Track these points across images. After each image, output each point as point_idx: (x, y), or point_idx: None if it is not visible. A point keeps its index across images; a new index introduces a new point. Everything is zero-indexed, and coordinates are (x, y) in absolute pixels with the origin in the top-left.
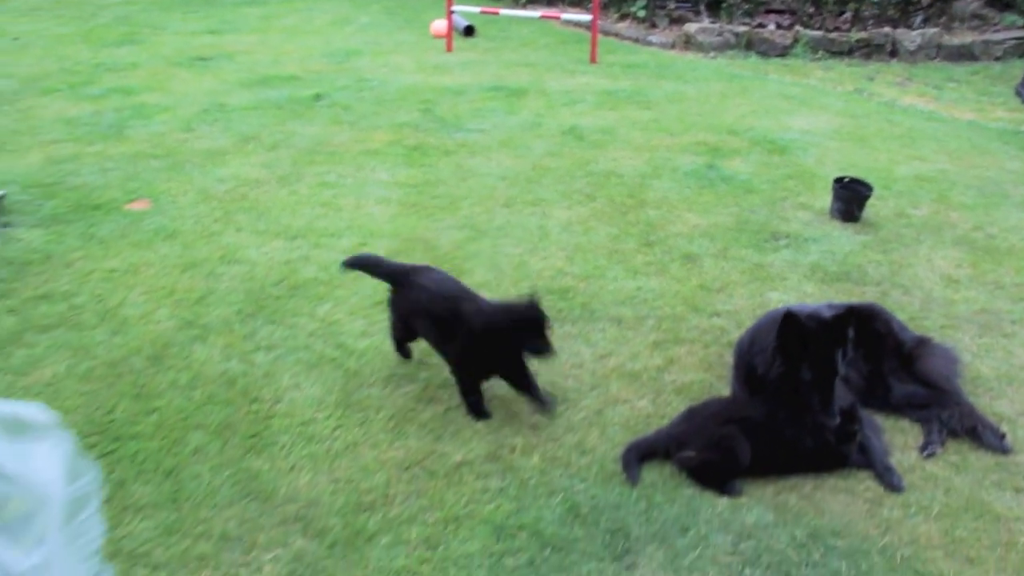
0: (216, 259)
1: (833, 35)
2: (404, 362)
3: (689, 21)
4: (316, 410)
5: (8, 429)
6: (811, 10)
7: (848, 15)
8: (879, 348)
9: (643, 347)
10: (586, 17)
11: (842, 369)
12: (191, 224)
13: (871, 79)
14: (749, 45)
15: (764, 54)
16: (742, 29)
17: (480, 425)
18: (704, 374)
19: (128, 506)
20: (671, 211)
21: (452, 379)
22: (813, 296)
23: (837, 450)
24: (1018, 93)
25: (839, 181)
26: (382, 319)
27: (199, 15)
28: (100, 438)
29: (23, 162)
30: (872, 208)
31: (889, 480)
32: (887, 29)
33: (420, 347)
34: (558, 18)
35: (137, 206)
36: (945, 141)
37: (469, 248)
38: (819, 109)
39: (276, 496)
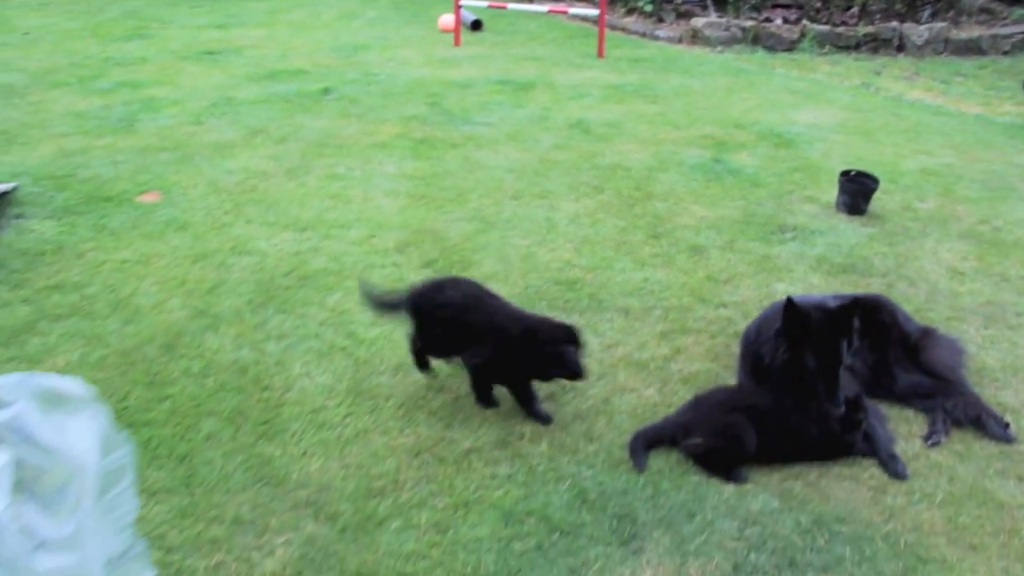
0: (227, 250)
1: (840, 30)
2: None
3: (696, 16)
4: (327, 398)
5: (46, 401)
6: (818, 5)
7: (855, 9)
8: (884, 338)
9: (650, 337)
10: (593, 12)
11: (847, 359)
12: (201, 216)
13: (878, 73)
14: (756, 40)
15: (771, 48)
16: (749, 24)
17: (489, 413)
18: (710, 364)
19: (142, 491)
20: (678, 204)
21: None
22: (819, 287)
23: (842, 438)
24: None
25: (845, 174)
26: None
27: (205, 10)
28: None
29: (34, 155)
30: (878, 201)
31: (893, 468)
32: (894, 23)
33: None
34: (565, 12)
35: (148, 198)
36: (952, 135)
37: (478, 240)
38: (826, 103)
39: (288, 481)
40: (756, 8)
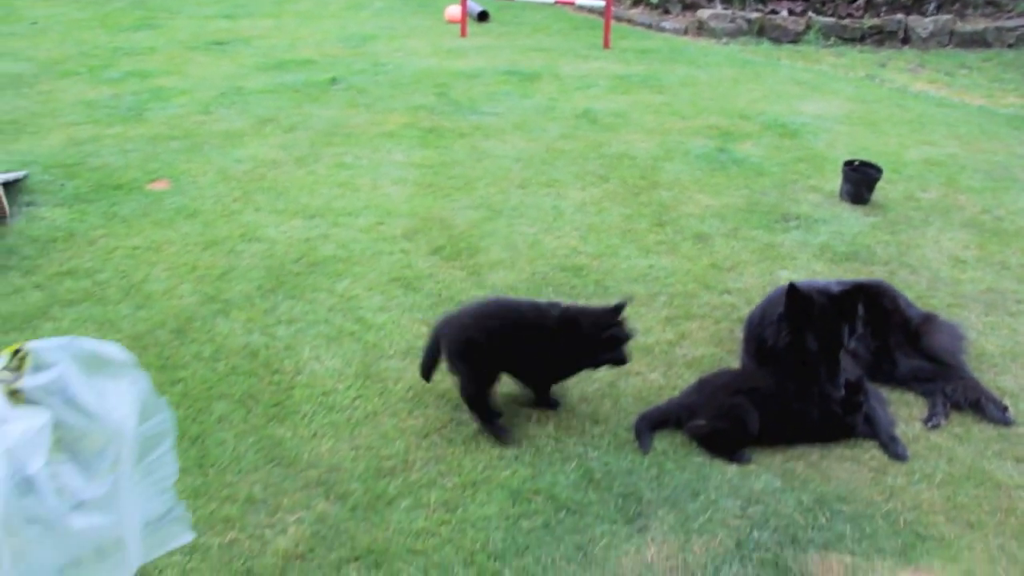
0: (236, 237)
1: (846, 22)
2: (422, 335)
3: (702, 7)
4: (336, 381)
5: (88, 365)
6: None
7: (861, 2)
8: (886, 324)
9: (655, 322)
10: (600, 3)
11: (849, 343)
12: (211, 203)
13: (883, 65)
14: (761, 31)
15: (776, 40)
16: (754, 15)
17: (496, 396)
18: (714, 348)
19: None
20: (683, 192)
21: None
22: (822, 275)
23: (843, 420)
24: None
25: (849, 164)
26: (399, 295)
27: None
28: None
29: (45, 143)
30: (881, 191)
31: (894, 449)
32: (900, 16)
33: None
34: (572, 3)
35: (158, 186)
36: (955, 126)
37: (485, 227)
38: (830, 94)
39: (299, 462)
40: (762, 0)
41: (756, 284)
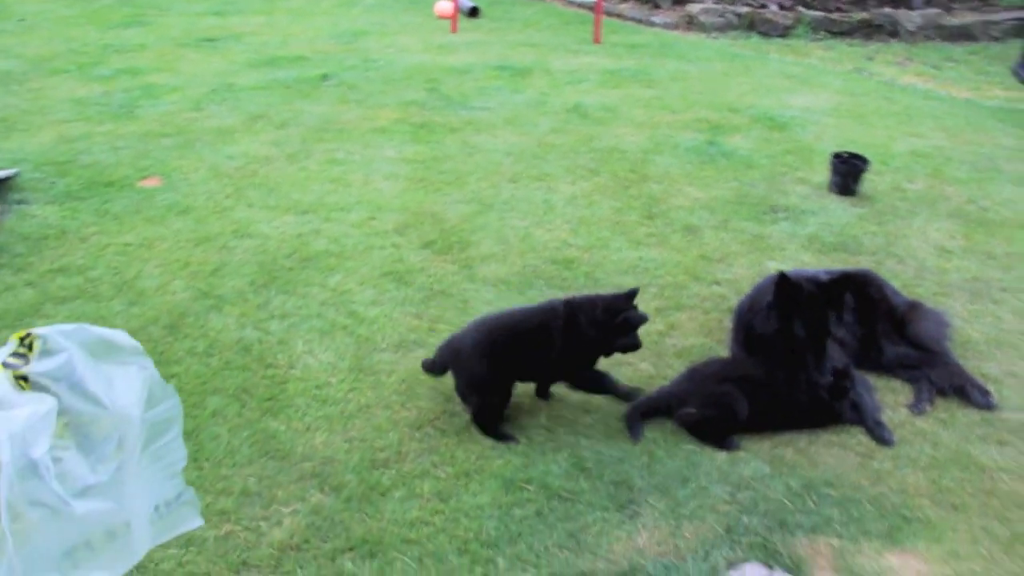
0: (228, 233)
1: (834, 16)
2: (414, 328)
3: (692, 2)
4: (330, 374)
5: (96, 351)
6: None
7: None
8: (872, 312)
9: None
10: None
11: (836, 330)
12: (203, 200)
13: (871, 59)
14: (751, 25)
15: (766, 34)
16: (744, 10)
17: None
18: (704, 339)
19: None
20: (672, 185)
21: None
22: (810, 265)
23: (830, 407)
24: (1015, 72)
25: (837, 156)
26: (391, 289)
27: None
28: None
29: (35, 141)
30: (869, 182)
31: (880, 435)
32: (888, 10)
33: (431, 313)
34: None
35: (149, 183)
36: (942, 118)
37: (476, 221)
38: (819, 88)
39: (293, 454)
40: None
41: (745, 275)
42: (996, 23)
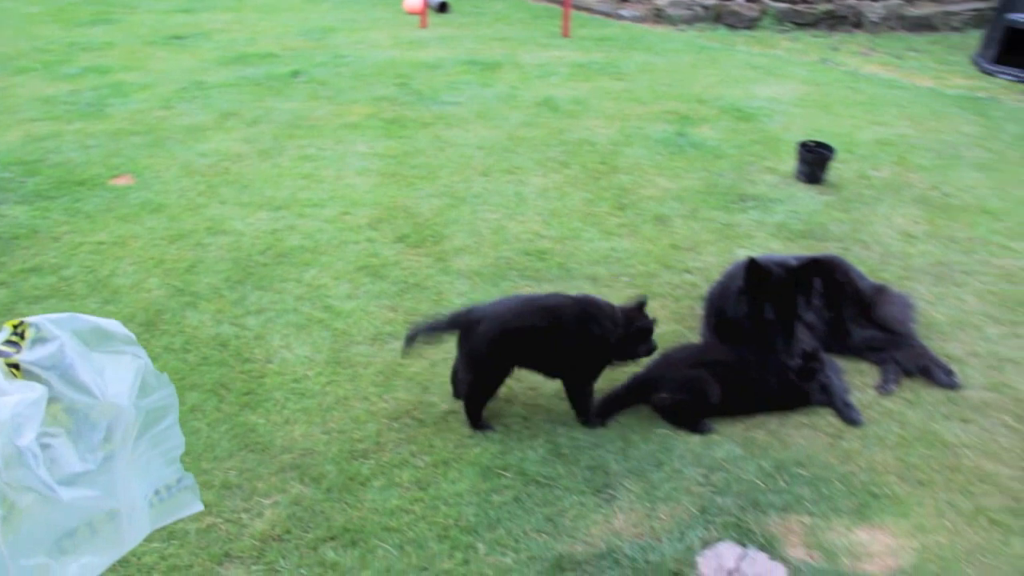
0: (202, 230)
1: (799, 7)
2: (390, 321)
3: None
4: (307, 368)
5: (88, 340)
6: None
7: None
8: (840, 296)
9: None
10: None
11: (804, 314)
12: (176, 198)
13: (835, 49)
14: (718, 18)
15: (732, 26)
16: (711, 2)
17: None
18: (676, 325)
19: None
20: (643, 176)
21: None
22: (779, 252)
23: (800, 389)
24: (975, 61)
25: (804, 145)
26: (366, 282)
27: None
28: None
29: (2, 140)
30: (835, 170)
31: (849, 415)
32: (851, 1)
33: (406, 306)
34: None
35: (121, 181)
36: (905, 107)
37: (449, 215)
38: (785, 78)
39: (273, 447)
40: None
41: (715, 263)
42: (955, 13)
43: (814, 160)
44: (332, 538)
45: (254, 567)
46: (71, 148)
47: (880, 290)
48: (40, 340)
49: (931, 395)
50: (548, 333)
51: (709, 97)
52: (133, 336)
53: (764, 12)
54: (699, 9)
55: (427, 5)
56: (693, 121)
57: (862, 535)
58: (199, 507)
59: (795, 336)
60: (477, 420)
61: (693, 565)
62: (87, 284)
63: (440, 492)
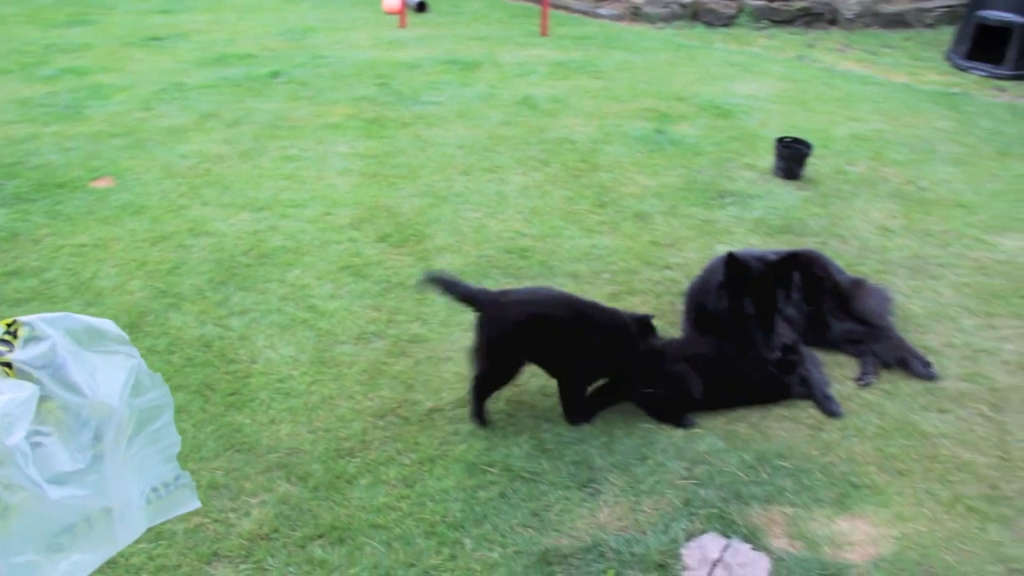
0: (184, 232)
1: (775, 5)
2: (373, 320)
3: None
4: (292, 368)
5: (81, 339)
6: None
7: None
8: (818, 290)
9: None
10: None
11: (784, 308)
12: (157, 199)
13: (811, 46)
14: (695, 15)
15: (710, 24)
16: (688, 0)
17: (449, 375)
18: (657, 321)
19: None
20: (622, 174)
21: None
22: (758, 247)
23: (780, 382)
24: (948, 57)
25: (781, 141)
26: (349, 282)
27: None
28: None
29: None
30: (812, 166)
31: (828, 407)
32: None
33: (389, 305)
34: None
35: (101, 183)
36: (880, 103)
37: (430, 214)
38: (762, 75)
39: (259, 447)
40: None
41: (695, 259)
42: (929, 10)
43: (791, 156)
44: (320, 536)
45: (242, 566)
46: (50, 150)
47: (858, 284)
48: (33, 339)
49: (909, 386)
50: (574, 329)
51: (687, 95)
52: (126, 336)
53: (741, 10)
54: (676, 7)
55: (406, 5)
56: (672, 119)
57: (843, 525)
58: (196, 504)
59: (775, 330)
60: (479, 411)
61: (677, 557)
62: (69, 286)
63: (426, 489)
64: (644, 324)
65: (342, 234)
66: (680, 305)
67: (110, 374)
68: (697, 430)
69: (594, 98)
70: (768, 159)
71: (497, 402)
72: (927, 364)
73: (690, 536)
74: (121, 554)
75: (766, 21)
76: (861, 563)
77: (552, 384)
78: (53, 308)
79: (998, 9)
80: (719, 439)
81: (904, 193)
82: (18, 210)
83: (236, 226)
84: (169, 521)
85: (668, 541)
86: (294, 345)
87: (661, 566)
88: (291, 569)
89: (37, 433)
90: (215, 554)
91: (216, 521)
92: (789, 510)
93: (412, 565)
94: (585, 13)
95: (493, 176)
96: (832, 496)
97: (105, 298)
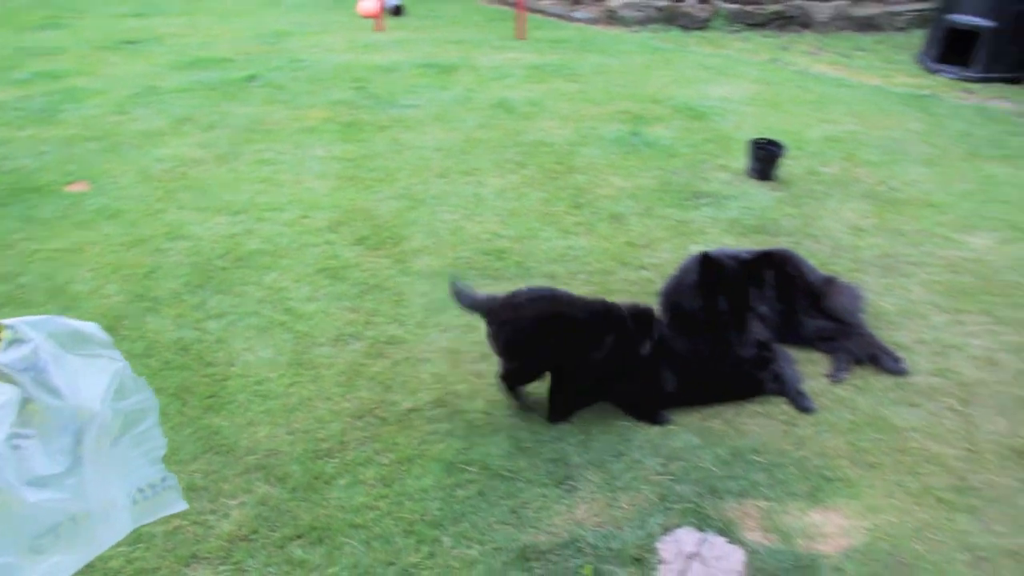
0: (161, 236)
1: (749, 8)
2: (351, 322)
3: None
4: (269, 370)
5: (65, 342)
6: None
7: None
8: (791, 288)
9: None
10: None
11: (757, 306)
12: (133, 203)
13: (785, 49)
14: (670, 19)
15: (685, 27)
16: (663, 3)
17: (426, 375)
18: None
19: None
20: (598, 175)
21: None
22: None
23: (754, 378)
24: (919, 60)
25: (755, 143)
26: (326, 284)
27: None
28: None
29: None
30: (786, 167)
31: (801, 403)
32: (799, 1)
33: (367, 307)
34: None
35: (76, 188)
36: (853, 105)
37: (407, 216)
38: (736, 78)
39: (237, 449)
40: None
41: (670, 259)
42: (899, 14)
43: (765, 157)
44: (299, 536)
45: (221, 567)
46: (24, 155)
47: (830, 282)
48: (16, 342)
49: (880, 382)
50: (577, 334)
51: (662, 97)
52: (110, 339)
53: (715, 13)
54: (652, 11)
55: (383, 9)
56: (647, 121)
57: (816, 517)
58: (183, 506)
59: (748, 327)
60: (517, 398)
61: (654, 551)
62: (44, 291)
63: (405, 488)
64: (644, 319)
65: (319, 237)
66: (655, 304)
67: (92, 378)
68: (672, 427)
69: (570, 101)
70: (742, 160)
71: (474, 401)
72: (897, 360)
73: (666, 530)
74: (99, 557)
75: (740, 24)
76: (834, 554)
77: (531, 384)
78: (28, 313)
79: (967, 13)
80: (694, 435)
81: (876, 193)
82: None
83: (213, 230)
84: (148, 524)
85: (644, 536)
86: (272, 347)
87: (637, 560)
88: (271, 570)
89: (18, 436)
90: (194, 556)
91: (195, 523)
92: (763, 503)
93: (391, 564)
94: (561, 17)
95: (470, 179)
96: (805, 489)
97: (81, 302)
